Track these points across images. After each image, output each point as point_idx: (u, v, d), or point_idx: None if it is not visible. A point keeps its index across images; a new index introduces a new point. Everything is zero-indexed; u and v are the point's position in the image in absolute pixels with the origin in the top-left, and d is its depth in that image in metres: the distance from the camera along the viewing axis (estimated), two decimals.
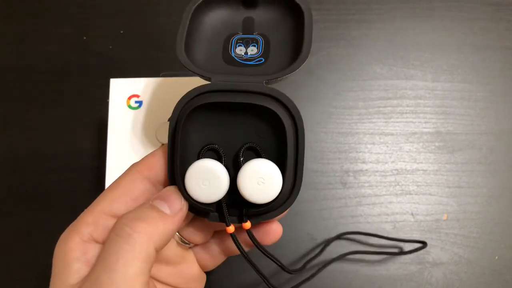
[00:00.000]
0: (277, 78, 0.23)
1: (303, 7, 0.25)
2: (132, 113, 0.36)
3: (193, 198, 0.22)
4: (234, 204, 0.23)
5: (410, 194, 0.41)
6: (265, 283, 0.24)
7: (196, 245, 0.26)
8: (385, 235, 0.39)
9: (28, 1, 0.46)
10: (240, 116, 0.23)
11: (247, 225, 0.23)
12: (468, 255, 0.39)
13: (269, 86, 0.22)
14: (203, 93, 0.22)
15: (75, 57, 0.44)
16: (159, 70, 0.42)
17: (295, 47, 0.25)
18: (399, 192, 0.41)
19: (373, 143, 0.42)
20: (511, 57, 0.45)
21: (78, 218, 0.22)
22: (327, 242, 0.38)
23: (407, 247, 0.39)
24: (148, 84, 0.36)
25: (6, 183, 0.40)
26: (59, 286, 0.21)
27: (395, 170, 0.41)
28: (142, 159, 0.24)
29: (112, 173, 0.35)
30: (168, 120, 0.36)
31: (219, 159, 0.23)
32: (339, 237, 0.38)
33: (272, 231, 0.25)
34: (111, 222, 0.22)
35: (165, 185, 0.23)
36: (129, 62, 0.44)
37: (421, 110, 0.43)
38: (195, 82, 0.36)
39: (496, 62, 0.45)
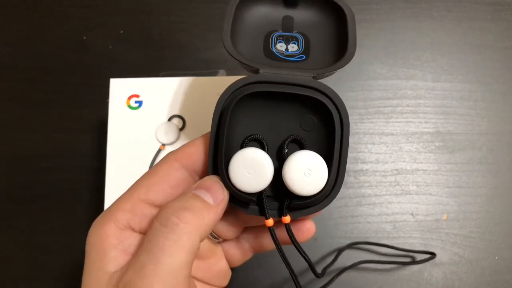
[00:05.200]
0: (325, 73, 0.23)
1: (345, 9, 0.26)
2: (132, 113, 0.36)
3: (236, 187, 0.22)
4: (273, 197, 0.23)
5: (410, 194, 0.41)
6: (295, 283, 0.24)
7: (225, 240, 0.26)
8: (385, 235, 0.39)
9: (28, 1, 0.46)
10: (285, 109, 0.23)
11: (287, 219, 0.22)
12: (468, 255, 0.39)
13: (317, 80, 0.23)
14: (251, 83, 0.23)
15: (75, 57, 0.44)
16: (159, 70, 0.42)
17: (338, 46, 0.25)
18: (399, 192, 0.41)
19: (373, 143, 0.42)
20: (511, 57, 0.45)
21: (114, 204, 0.22)
22: (340, 251, 0.38)
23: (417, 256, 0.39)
24: (148, 84, 0.36)
25: (6, 183, 0.40)
26: (97, 273, 0.20)
27: (395, 170, 0.41)
28: (181, 147, 0.23)
29: (112, 173, 0.35)
30: (169, 120, 0.36)
31: (262, 150, 0.23)
32: (351, 246, 0.38)
33: (306, 229, 0.25)
34: (148, 210, 0.21)
35: (202, 175, 0.23)
36: (129, 62, 0.44)
37: (421, 110, 0.43)
38: (196, 82, 0.37)
39: (496, 62, 0.45)
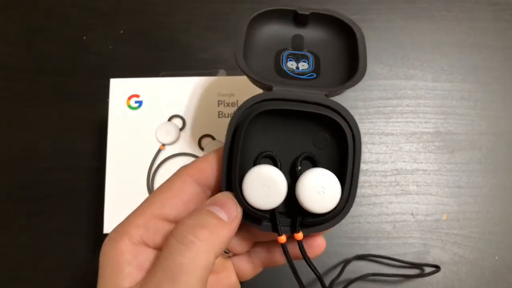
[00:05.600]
0: (337, 91, 0.24)
1: (354, 28, 0.26)
2: (132, 113, 0.36)
3: (250, 204, 0.22)
4: (285, 213, 0.23)
5: (410, 194, 0.41)
6: None
7: (235, 254, 0.26)
8: (385, 235, 0.39)
9: (28, 1, 0.46)
10: (298, 126, 0.23)
11: (300, 236, 0.23)
12: (468, 255, 0.39)
13: (330, 99, 0.23)
14: (264, 101, 0.23)
15: (75, 57, 0.44)
16: (159, 70, 0.42)
17: (348, 64, 0.26)
18: (399, 192, 0.41)
19: (373, 143, 0.42)
20: (511, 57, 0.45)
21: (127, 219, 0.22)
22: (346, 263, 0.38)
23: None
24: (148, 84, 0.36)
25: (6, 183, 0.40)
26: None
27: (395, 170, 0.41)
28: (193, 162, 0.23)
29: (112, 173, 0.35)
30: (169, 120, 0.36)
31: (275, 167, 0.23)
32: (357, 258, 0.38)
33: (317, 245, 0.25)
34: (161, 225, 0.22)
35: (214, 191, 0.23)
36: (129, 62, 0.44)
37: (421, 110, 0.43)
38: (196, 82, 0.37)
39: (496, 62, 0.45)
